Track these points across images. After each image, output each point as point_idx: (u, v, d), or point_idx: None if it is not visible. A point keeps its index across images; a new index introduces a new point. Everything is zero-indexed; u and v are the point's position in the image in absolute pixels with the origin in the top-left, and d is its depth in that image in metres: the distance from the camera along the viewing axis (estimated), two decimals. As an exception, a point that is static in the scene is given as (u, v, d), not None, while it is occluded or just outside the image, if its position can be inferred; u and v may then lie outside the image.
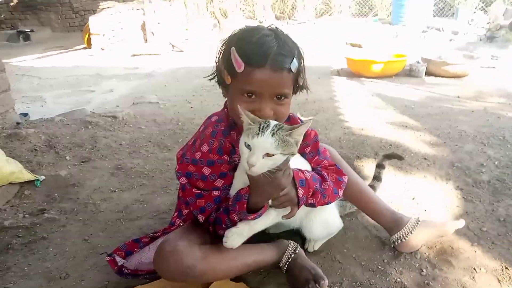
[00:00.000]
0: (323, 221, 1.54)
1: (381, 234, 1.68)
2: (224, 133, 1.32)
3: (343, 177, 1.46)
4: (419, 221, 1.56)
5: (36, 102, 4.28)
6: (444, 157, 2.34)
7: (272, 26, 1.30)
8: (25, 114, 3.48)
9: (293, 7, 11.13)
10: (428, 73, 4.52)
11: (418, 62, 4.50)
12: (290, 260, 1.43)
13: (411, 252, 1.54)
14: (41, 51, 7.45)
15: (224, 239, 1.26)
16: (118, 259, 1.45)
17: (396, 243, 1.55)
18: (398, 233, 1.55)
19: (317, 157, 1.47)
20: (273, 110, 1.24)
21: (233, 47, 1.22)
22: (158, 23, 7.60)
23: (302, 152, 1.45)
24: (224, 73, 1.29)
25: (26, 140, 2.67)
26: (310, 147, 1.46)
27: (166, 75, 5.29)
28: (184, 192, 1.38)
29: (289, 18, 10.86)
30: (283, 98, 1.25)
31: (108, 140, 2.75)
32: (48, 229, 1.82)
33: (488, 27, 7.56)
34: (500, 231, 1.67)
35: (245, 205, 1.21)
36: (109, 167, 2.39)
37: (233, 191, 1.31)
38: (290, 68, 1.22)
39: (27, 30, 8.98)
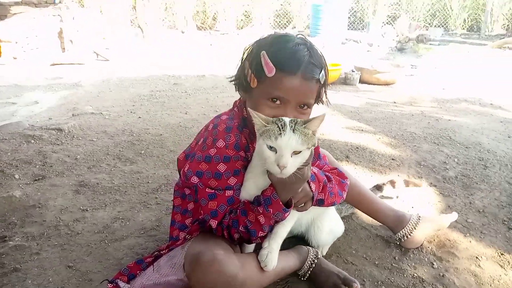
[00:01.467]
0: (330, 227, 1.54)
1: (381, 232, 1.72)
2: (239, 128, 1.28)
3: (345, 179, 1.47)
4: (420, 217, 1.63)
5: None
6: (408, 157, 2.49)
7: (301, 35, 1.29)
8: None
9: (214, 18, 11.14)
10: (361, 81, 4.79)
11: (352, 71, 4.76)
12: (313, 266, 1.40)
13: (417, 248, 1.60)
14: None
15: (262, 265, 1.23)
16: (121, 284, 1.32)
17: (402, 240, 1.60)
18: (403, 230, 1.60)
19: (318, 162, 1.47)
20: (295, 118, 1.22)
21: (263, 51, 1.19)
22: (77, 30, 7.09)
23: None
24: (251, 76, 1.24)
25: (-42, 158, 2.29)
26: None
27: (97, 85, 4.93)
28: (195, 195, 1.28)
29: (210, 29, 10.85)
30: (306, 107, 1.24)
31: (59, 155, 2.46)
32: (19, 258, 1.57)
33: (397, 39, 8.27)
34: (483, 221, 1.81)
35: (280, 203, 1.17)
36: (71, 184, 2.14)
37: (245, 194, 1.26)
38: (319, 78, 1.22)
39: None
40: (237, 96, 1.37)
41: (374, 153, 2.53)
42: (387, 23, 10.13)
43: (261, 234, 1.23)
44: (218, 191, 1.23)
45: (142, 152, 2.58)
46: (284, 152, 1.07)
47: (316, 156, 1.46)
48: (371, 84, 4.76)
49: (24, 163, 2.35)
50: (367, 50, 7.62)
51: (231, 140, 1.24)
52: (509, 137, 2.84)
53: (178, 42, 8.75)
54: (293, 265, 1.38)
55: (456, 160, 2.43)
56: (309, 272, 1.40)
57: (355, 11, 10.59)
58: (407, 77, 5.12)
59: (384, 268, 1.50)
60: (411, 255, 1.57)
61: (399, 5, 10.53)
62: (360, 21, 10.69)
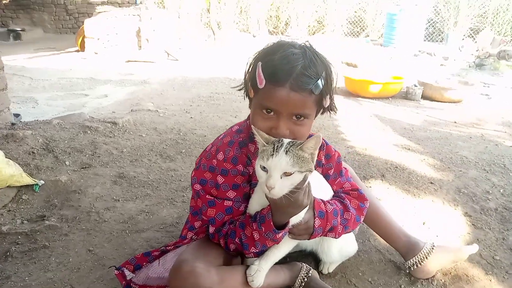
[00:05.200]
0: (340, 246, 1.51)
1: (395, 258, 1.66)
2: (242, 144, 1.31)
3: (365, 202, 1.43)
4: (434, 246, 1.54)
5: (27, 103, 4.16)
6: (449, 182, 2.35)
7: (306, 43, 1.27)
8: (17, 115, 3.37)
9: (286, 23, 11.23)
10: (423, 97, 4.58)
11: (415, 85, 4.56)
12: (303, 283, 1.40)
13: (427, 279, 1.52)
14: (32, 51, 7.28)
15: (248, 279, 1.26)
16: (127, 272, 1.41)
17: (412, 269, 1.53)
18: (414, 258, 1.53)
19: (339, 179, 1.45)
20: (289, 130, 1.22)
21: (260, 62, 1.21)
22: (153, 30, 7.55)
23: (326, 174, 1.43)
24: (249, 86, 1.28)
25: (23, 142, 2.57)
26: (333, 169, 1.44)
27: (162, 83, 5.23)
28: (196, 200, 1.34)
29: (282, 34, 10.94)
30: (302, 118, 1.22)
31: (108, 147, 2.67)
32: (50, 237, 1.74)
33: (477, 54, 7.74)
34: (512, 261, 1.67)
35: (271, 223, 1.19)
36: (111, 174, 2.32)
37: (251, 208, 1.30)
38: (312, 89, 1.19)
39: (18, 29, 8.79)
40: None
41: (413, 175, 2.42)
42: (468, 36, 9.53)
43: (253, 249, 1.26)
44: (217, 199, 1.29)
45: (183, 151, 2.71)
46: (273, 172, 1.08)
47: (338, 173, 1.45)
48: (434, 100, 4.53)
49: (77, 151, 2.58)
50: (440, 64, 7.24)
51: (230, 154, 1.29)
52: None
53: (248, 45, 8.93)
54: (282, 281, 1.39)
55: (501, 190, 2.25)
56: (302, 289, 1.40)
57: (434, 21, 10.09)
58: (477, 96, 4.79)
59: (386, 295, 1.45)
60: (419, 286, 1.49)
61: (484, 17, 9.84)
62: (439, 32, 10.17)
